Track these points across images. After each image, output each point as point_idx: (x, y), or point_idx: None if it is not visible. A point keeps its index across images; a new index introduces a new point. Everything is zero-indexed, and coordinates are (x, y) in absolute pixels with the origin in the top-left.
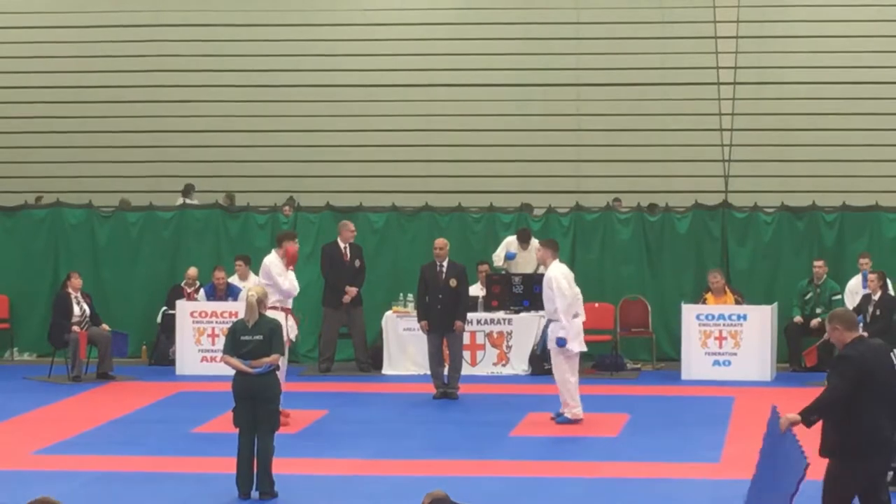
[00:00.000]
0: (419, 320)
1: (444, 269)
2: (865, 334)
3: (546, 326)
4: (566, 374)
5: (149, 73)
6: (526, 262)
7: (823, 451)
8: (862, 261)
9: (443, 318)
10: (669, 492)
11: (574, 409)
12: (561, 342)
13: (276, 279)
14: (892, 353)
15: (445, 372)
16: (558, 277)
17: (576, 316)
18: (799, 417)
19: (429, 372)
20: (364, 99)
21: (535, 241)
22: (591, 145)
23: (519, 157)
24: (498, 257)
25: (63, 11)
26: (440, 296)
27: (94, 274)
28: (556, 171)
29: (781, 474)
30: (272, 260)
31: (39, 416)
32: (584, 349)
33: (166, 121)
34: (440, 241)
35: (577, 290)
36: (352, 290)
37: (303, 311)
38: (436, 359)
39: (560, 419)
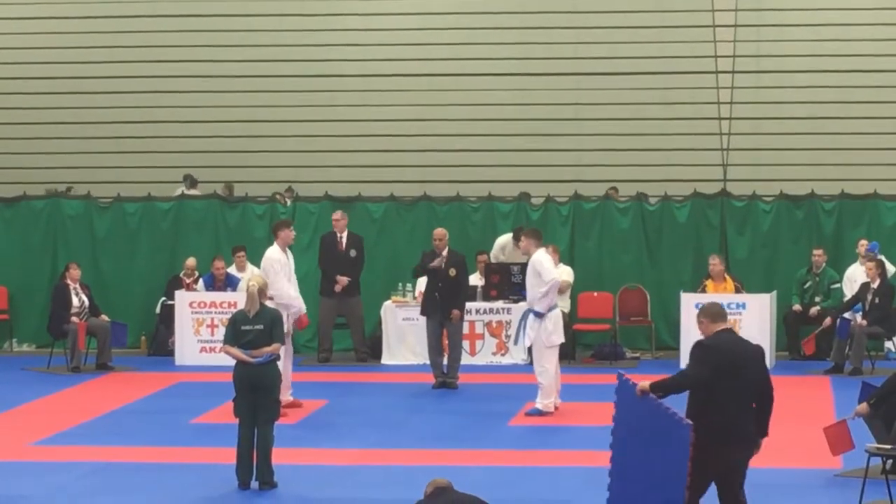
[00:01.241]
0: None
1: (445, 259)
2: (731, 327)
3: (524, 317)
4: (550, 366)
5: (147, 63)
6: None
7: None
8: (862, 241)
9: (442, 307)
10: None
11: (547, 401)
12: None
13: (274, 280)
14: (761, 352)
15: (444, 362)
16: (541, 260)
17: (554, 307)
18: (648, 385)
19: (428, 361)
20: (362, 88)
21: None
22: (590, 134)
23: (517, 147)
24: (494, 256)
25: (61, 2)
26: (440, 284)
27: (93, 265)
28: (555, 161)
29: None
30: (273, 256)
31: (38, 406)
32: (563, 340)
33: (164, 111)
34: (439, 232)
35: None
36: (342, 280)
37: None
38: (435, 349)
39: (531, 411)
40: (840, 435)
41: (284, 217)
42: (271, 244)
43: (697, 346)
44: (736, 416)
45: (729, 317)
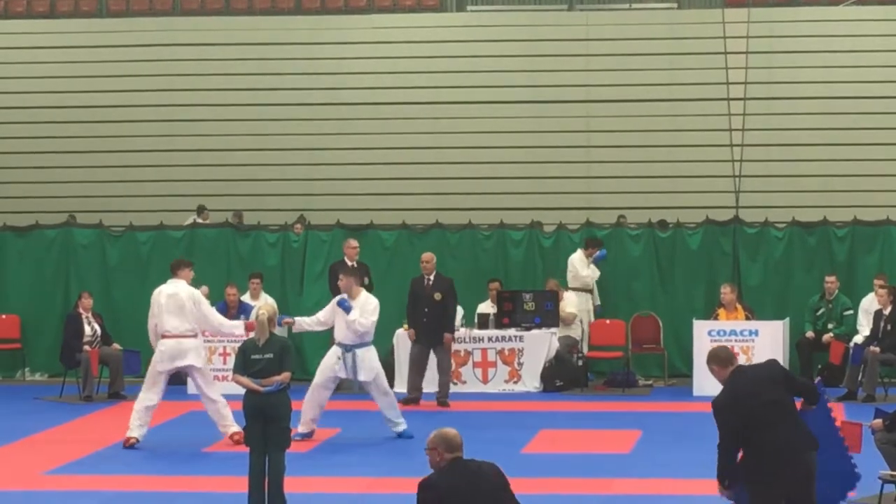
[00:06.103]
0: (408, 328)
1: (431, 283)
2: (742, 365)
3: (346, 357)
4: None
5: (157, 92)
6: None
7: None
8: (877, 282)
9: (428, 331)
10: None
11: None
12: None
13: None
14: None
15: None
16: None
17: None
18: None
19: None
20: (373, 117)
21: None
22: (601, 162)
23: (529, 174)
24: (572, 273)
25: (73, 32)
26: (426, 309)
27: (105, 293)
28: (567, 188)
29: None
30: (194, 293)
31: (51, 436)
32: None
33: (176, 140)
34: (426, 255)
35: None
36: None
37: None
38: (417, 370)
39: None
40: (853, 434)
41: (297, 246)
42: (167, 281)
43: (714, 411)
44: (779, 443)
45: (741, 344)
